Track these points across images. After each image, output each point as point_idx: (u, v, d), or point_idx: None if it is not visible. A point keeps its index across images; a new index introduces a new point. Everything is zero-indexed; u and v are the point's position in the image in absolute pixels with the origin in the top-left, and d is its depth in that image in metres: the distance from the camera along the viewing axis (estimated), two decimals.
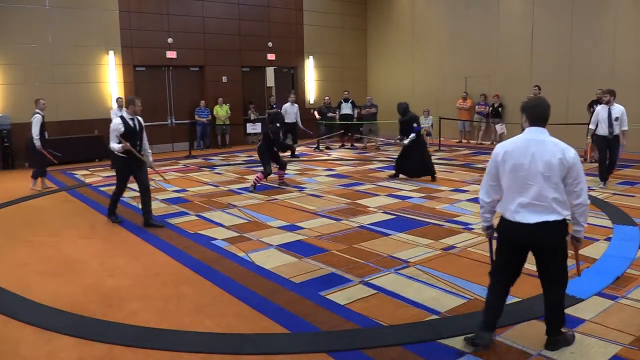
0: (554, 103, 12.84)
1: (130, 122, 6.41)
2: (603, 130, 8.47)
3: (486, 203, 3.23)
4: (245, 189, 8.85)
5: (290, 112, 13.30)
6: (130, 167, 6.49)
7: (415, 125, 9.13)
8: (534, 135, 3.04)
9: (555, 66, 13.26)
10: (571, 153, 2.97)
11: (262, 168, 8.80)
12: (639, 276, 4.43)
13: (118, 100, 11.64)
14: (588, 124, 10.84)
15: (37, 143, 8.96)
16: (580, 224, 3.10)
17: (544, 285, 3.22)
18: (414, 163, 9.07)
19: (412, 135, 9.07)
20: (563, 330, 3.26)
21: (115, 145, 6.33)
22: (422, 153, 9.15)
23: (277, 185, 8.96)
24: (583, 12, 12.72)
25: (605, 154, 8.50)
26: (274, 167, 8.93)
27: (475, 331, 3.27)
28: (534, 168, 2.96)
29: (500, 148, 3.12)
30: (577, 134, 12.09)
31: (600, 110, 8.68)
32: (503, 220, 3.15)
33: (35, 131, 8.92)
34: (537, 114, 3.08)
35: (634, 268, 4.62)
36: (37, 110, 9.09)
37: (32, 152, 9.21)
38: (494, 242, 3.36)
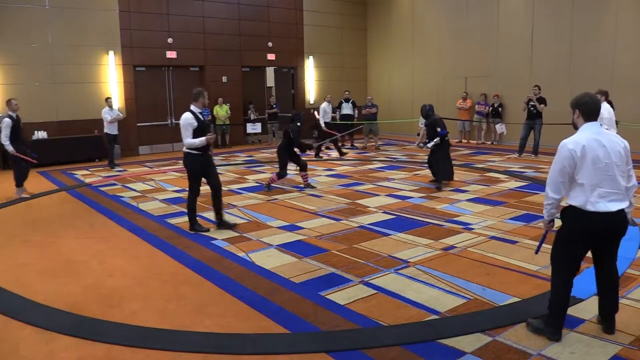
0: (554, 103, 13.09)
1: (200, 116, 6.00)
2: None
3: (556, 199, 3.28)
4: (245, 188, 8.85)
5: (328, 111, 13.20)
6: (202, 165, 6.01)
7: (439, 129, 8.49)
8: (598, 129, 3.23)
9: (555, 66, 13.26)
10: (626, 141, 3.30)
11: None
12: (639, 276, 4.43)
13: (108, 100, 11.65)
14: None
15: (9, 148, 8.30)
16: (632, 204, 3.31)
17: (607, 269, 3.44)
18: (449, 165, 8.75)
19: (437, 139, 8.49)
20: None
21: (193, 141, 5.82)
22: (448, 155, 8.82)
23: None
24: (583, 12, 12.72)
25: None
26: (295, 169, 8.89)
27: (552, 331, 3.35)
28: (609, 159, 3.14)
29: (575, 144, 3.15)
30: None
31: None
32: (581, 212, 3.19)
33: (4, 136, 8.21)
34: (593, 108, 3.26)
35: (634, 268, 4.62)
36: (10, 113, 8.37)
37: (10, 157, 8.64)
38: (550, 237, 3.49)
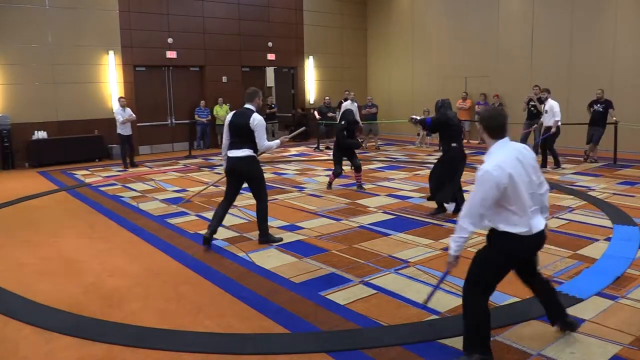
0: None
1: None
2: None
3: (471, 233, 3.00)
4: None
5: (353, 110, 12.95)
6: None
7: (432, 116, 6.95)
8: (511, 145, 2.98)
9: (555, 66, 13.25)
10: (534, 153, 3.08)
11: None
12: (639, 276, 4.43)
13: (120, 100, 11.64)
14: (587, 124, 10.88)
15: None
16: (548, 210, 3.17)
17: (536, 279, 3.34)
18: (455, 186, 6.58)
19: (415, 117, 7.26)
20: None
21: (273, 143, 5.48)
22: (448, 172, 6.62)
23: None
24: (583, 12, 12.72)
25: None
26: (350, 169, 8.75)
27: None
28: (529, 176, 2.94)
29: (500, 170, 2.81)
30: (577, 133, 12.12)
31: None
32: (519, 238, 2.93)
33: None
34: (502, 124, 2.97)
35: (634, 268, 4.62)
36: None
37: None
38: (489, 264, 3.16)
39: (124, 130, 11.46)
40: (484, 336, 3.03)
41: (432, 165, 6.92)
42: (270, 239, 5.65)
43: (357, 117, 12.73)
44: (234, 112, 5.59)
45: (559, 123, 9.94)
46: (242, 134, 5.37)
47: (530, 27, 13.77)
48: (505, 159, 2.87)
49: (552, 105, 10.06)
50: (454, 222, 6.22)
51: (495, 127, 2.95)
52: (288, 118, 17.18)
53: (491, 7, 14.61)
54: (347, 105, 12.62)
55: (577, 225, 6.08)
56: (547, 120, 10.11)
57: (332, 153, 8.74)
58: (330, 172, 8.87)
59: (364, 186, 8.57)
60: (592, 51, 12.61)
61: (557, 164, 10.15)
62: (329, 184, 8.65)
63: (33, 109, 12.35)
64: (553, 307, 3.37)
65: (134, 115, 11.75)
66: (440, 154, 6.95)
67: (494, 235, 3.04)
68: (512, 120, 14.41)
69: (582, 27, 12.76)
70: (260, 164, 5.62)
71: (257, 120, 5.37)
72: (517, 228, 2.92)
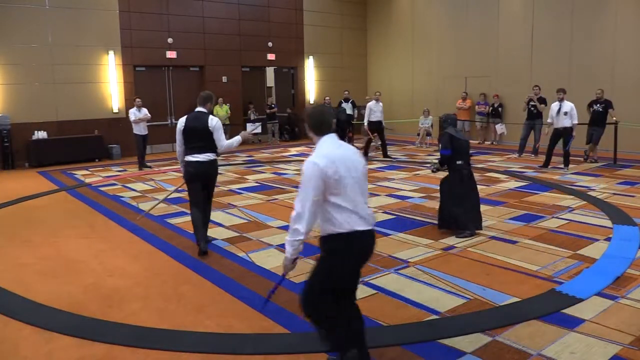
0: (553, 103, 12.76)
1: None
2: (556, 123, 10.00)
3: (307, 233, 2.78)
4: (245, 188, 8.84)
5: (375, 110, 12.30)
6: None
7: (440, 148, 6.20)
8: (340, 143, 2.90)
9: (555, 66, 13.25)
10: (361, 154, 2.97)
11: None
12: (639, 276, 4.43)
13: (136, 100, 11.59)
14: (587, 124, 10.89)
15: None
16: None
17: (350, 298, 3.02)
18: (472, 206, 5.94)
19: (436, 163, 6.38)
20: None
21: (233, 141, 5.49)
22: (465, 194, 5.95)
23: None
24: (583, 12, 12.72)
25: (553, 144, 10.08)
26: None
27: None
28: (357, 172, 2.83)
29: (326, 160, 2.71)
30: (577, 133, 12.11)
31: (553, 106, 10.10)
32: (347, 237, 2.76)
33: None
34: (326, 121, 2.91)
35: (634, 268, 4.61)
36: None
37: None
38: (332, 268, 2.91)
39: (140, 130, 11.40)
40: (341, 336, 2.91)
41: (440, 187, 6.22)
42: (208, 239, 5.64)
43: (382, 118, 12.48)
44: (186, 117, 5.53)
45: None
46: (202, 138, 5.33)
47: (530, 27, 13.77)
48: (331, 151, 2.80)
49: (572, 106, 9.85)
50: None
51: (320, 124, 2.90)
52: (283, 118, 17.14)
53: (491, 7, 14.61)
54: (371, 105, 12.38)
55: (577, 225, 6.08)
56: (562, 122, 9.83)
57: None
58: None
59: None
60: (592, 51, 12.61)
61: (567, 165, 9.99)
62: None
63: (33, 109, 12.35)
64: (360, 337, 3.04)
65: (149, 115, 11.67)
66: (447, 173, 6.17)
67: (325, 237, 2.86)
68: (512, 120, 14.46)
69: (582, 27, 12.76)
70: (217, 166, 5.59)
71: (215, 121, 5.39)
72: (341, 224, 2.77)
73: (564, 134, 9.89)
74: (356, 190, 2.81)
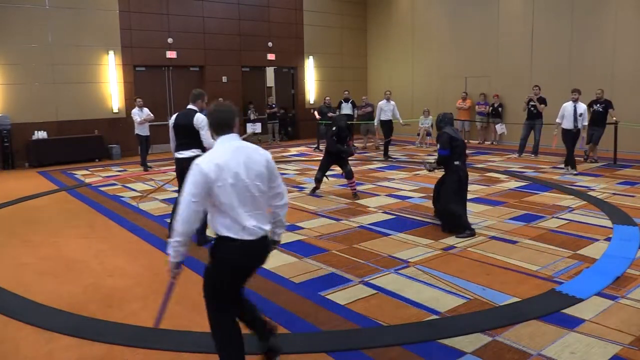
0: (554, 103, 12.97)
1: None
2: (569, 124, 9.65)
3: (187, 234, 2.72)
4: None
5: (386, 109, 12.38)
6: None
7: (438, 148, 6.06)
8: (238, 144, 2.80)
9: (555, 66, 13.25)
10: (269, 155, 2.88)
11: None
12: (639, 276, 4.43)
13: (137, 101, 11.57)
14: (588, 124, 10.87)
15: None
16: (284, 225, 3.05)
17: (242, 300, 3.01)
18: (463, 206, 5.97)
19: (433, 162, 6.49)
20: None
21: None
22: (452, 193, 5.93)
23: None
24: (583, 12, 12.72)
25: (571, 145, 9.68)
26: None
27: None
28: (249, 178, 2.72)
29: (210, 165, 2.65)
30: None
31: (567, 106, 9.71)
32: (232, 242, 2.71)
33: None
34: (225, 120, 2.82)
35: (634, 268, 4.62)
36: None
37: None
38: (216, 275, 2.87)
39: (142, 130, 11.38)
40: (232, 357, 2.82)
41: (434, 187, 6.32)
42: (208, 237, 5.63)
43: (398, 116, 12.46)
44: (177, 114, 5.68)
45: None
46: (188, 135, 5.44)
47: (530, 27, 13.77)
48: (221, 155, 2.72)
49: (585, 107, 9.70)
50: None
51: (218, 123, 2.82)
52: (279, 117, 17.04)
53: (491, 7, 14.61)
54: (382, 104, 12.36)
55: (577, 225, 6.08)
56: (579, 123, 9.55)
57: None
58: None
59: (359, 192, 8.08)
60: (592, 51, 12.61)
61: (574, 167, 9.73)
62: (312, 190, 8.24)
63: (33, 109, 12.35)
64: (259, 327, 3.07)
65: (152, 115, 11.61)
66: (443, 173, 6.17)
67: (214, 244, 2.81)
68: (512, 120, 14.45)
69: (582, 27, 12.76)
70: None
71: (200, 119, 5.42)
72: (230, 232, 2.71)
73: (578, 135, 9.68)
74: (244, 198, 2.71)
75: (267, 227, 2.83)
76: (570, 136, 9.63)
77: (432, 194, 6.46)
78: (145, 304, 4.12)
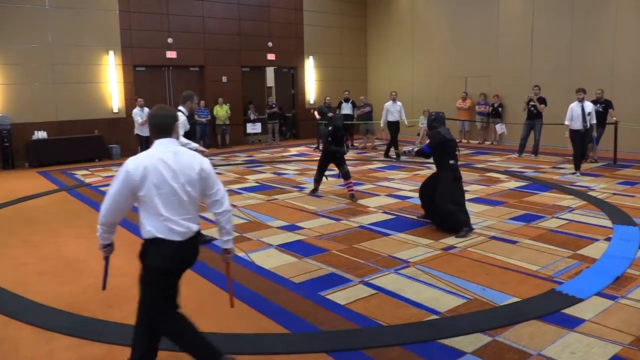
0: (554, 103, 12.96)
1: (188, 120, 5.80)
2: (578, 125, 9.45)
3: (107, 223, 2.92)
4: (245, 188, 8.84)
5: (392, 110, 12.29)
6: None
7: (428, 143, 6.13)
8: (168, 147, 2.82)
9: (555, 66, 13.25)
10: (206, 162, 2.90)
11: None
12: (639, 276, 4.43)
13: (138, 101, 11.58)
14: (596, 122, 10.86)
15: None
16: (230, 233, 3.04)
17: (175, 307, 3.01)
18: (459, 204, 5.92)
19: (412, 148, 6.79)
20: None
21: (189, 142, 5.53)
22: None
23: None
24: (583, 12, 12.72)
25: (580, 146, 9.49)
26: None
27: None
28: (177, 182, 2.76)
29: (135, 166, 2.71)
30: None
31: (574, 107, 9.51)
32: (157, 242, 2.81)
33: None
34: (162, 124, 2.86)
35: (634, 268, 4.62)
36: None
37: None
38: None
39: (143, 131, 11.35)
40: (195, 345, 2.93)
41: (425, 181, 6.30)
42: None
43: (404, 117, 12.43)
44: None
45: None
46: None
47: (530, 27, 13.77)
48: (150, 157, 2.76)
49: (592, 106, 9.54)
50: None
51: (155, 127, 2.86)
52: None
53: (491, 7, 14.61)
54: (388, 105, 12.28)
55: (577, 225, 6.08)
56: (588, 123, 9.36)
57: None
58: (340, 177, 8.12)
59: (357, 192, 7.96)
60: (592, 51, 12.61)
61: (578, 167, 9.49)
62: (312, 191, 8.19)
63: (33, 109, 12.35)
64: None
65: None
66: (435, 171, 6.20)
67: (143, 248, 2.91)
68: (512, 120, 14.42)
69: (582, 27, 12.76)
70: None
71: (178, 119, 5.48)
72: (158, 233, 2.80)
73: (587, 135, 9.51)
74: (170, 202, 2.75)
75: (195, 229, 2.87)
76: (579, 136, 9.42)
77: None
78: None
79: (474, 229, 5.79)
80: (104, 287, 3.37)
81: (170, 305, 2.95)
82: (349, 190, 7.84)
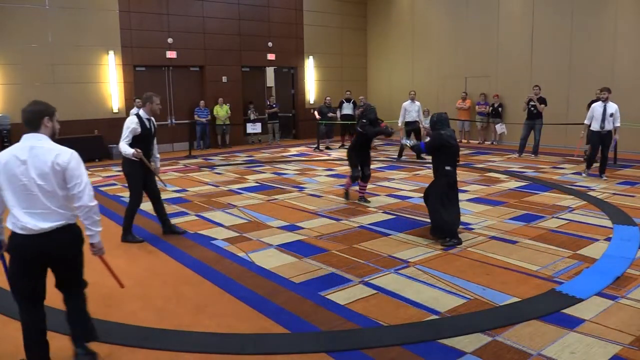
0: (554, 103, 12.99)
1: (147, 123, 5.69)
2: (597, 125, 8.92)
3: None
4: (245, 188, 8.84)
5: (410, 110, 11.83)
6: (141, 171, 5.75)
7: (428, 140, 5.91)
8: (27, 142, 2.89)
9: (555, 66, 13.25)
10: (65, 156, 2.91)
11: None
12: (639, 276, 4.43)
13: (136, 101, 11.56)
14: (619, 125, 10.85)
15: None
16: (90, 229, 3.07)
17: (69, 301, 3.25)
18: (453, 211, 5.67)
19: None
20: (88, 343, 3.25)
21: (126, 148, 5.53)
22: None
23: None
24: (583, 12, 12.72)
25: (597, 149, 9.04)
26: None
27: None
28: (28, 177, 2.83)
29: None
30: (577, 133, 12.11)
31: (596, 106, 9.00)
32: (13, 236, 2.91)
33: None
34: (27, 118, 2.93)
35: (634, 268, 4.62)
36: None
37: None
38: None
39: None
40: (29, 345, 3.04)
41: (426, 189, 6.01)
42: (129, 239, 5.89)
43: (421, 118, 11.88)
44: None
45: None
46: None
47: (530, 27, 13.77)
48: (8, 153, 2.88)
49: (617, 108, 8.94)
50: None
51: (24, 121, 2.95)
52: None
53: (491, 7, 14.61)
54: (406, 105, 11.79)
55: (577, 225, 6.08)
56: (608, 125, 8.84)
57: (347, 155, 7.65)
58: (347, 178, 7.78)
59: (366, 203, 7.47)
60: (592, 51, 12.61)
61: (603, 172, 9.07)
62: (346, 194, 7.70)
63: None
64: (73, 329, 3.23)
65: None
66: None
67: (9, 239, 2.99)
68: (512, 120, 14.43)
69: (582, 27, 12.76)
70: (129, 161, 5.69)
71: (126, 120, 5.68)
72: (13, 227, 2.89)
73: (607, 138, 8.98)
74: (22, 195, 2.85)
75: (47, 225, 2.88)
76: (597, 137, 8.92)
77: (423, 194, 6.35)
78: (145, 304, 4.13)
79: (461, 241, 5.47)
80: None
81: (28, 296, 3.05)
82: (361, 192, 7.55)
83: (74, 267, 3.15)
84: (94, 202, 3.00)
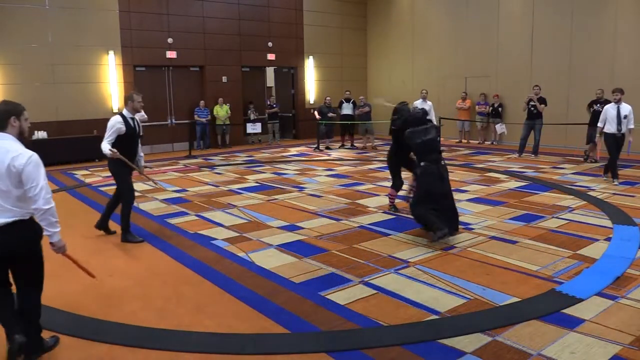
0: (554, 103, 12.95)
1: (131, 122, 5.76)
2: (612, 128, 8.62)
3: None
4: (245, 188, 8.84)
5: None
6: (126, 168, 5.88)
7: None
8: None
9: (555, 66, 13.25)
10: (22, 159, 2.99)
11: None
12: (639, 276, 4.43)
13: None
14: (587, 124, 10.87)
15: None
16: (47, 229, 3.15)
17: (20, 297, 3.37)
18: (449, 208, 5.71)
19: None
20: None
21: (106, 148, 5.59)
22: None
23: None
24: (583, 12, 12.72)
25: (616, 151, 8.60)
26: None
27: None
28: None
29: None
30: (577, 133, 12.14)
31: (609, 108, 8.73)
32: None
33: None
34: None
35: (634, 268, 4.62)
36: None
37: None
38: None
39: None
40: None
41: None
42: (130, 238, 5.86)
43: (433, 117, 11.14)
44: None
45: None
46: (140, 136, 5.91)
47: (530, 27, 13.77)
48: None
49: (630, 109, 8.57)
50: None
51: None
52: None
53: (491, 7, 14.61)
54: (418, 104, 11.24)
55: (577, 225, 6.08)
56: (623, 126, 8.49)
57: (387, 163, 7.16)
58: (389, 187, 7.28)
59: (396, 212, 6.94)
60: (592, 51, 12.61)
61: (615, 176, 8.58)
62: (392, 205, 7.01)
63: (33, 109, 12.19)
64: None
65: (145, 116, 11.60)
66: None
67: None
68: (512, 120, 14.43)
69: (582, 27, 12.76)
70: (115, 159, 5.77)
71: (110, 120, 5.71)
72: None
73: (622, 140, 8.58)
74: None
75: (4, 219, 2.98)
76: (613, 140, 8.56)
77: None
78: (145, 304, 4.13)
79: (446, 230, 5.38)
80: None
81: None
82: (390, 199, 7.06)
83: (27, 263, 3.25)
84: (49, 205, 3.08)
